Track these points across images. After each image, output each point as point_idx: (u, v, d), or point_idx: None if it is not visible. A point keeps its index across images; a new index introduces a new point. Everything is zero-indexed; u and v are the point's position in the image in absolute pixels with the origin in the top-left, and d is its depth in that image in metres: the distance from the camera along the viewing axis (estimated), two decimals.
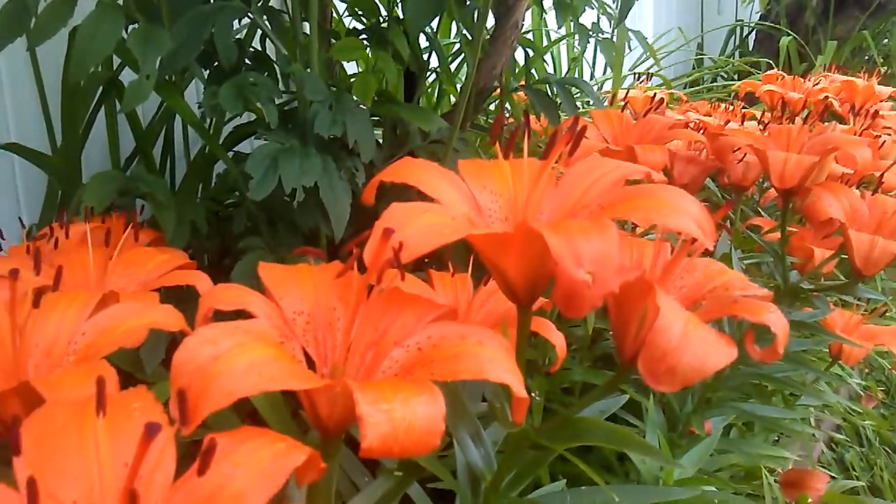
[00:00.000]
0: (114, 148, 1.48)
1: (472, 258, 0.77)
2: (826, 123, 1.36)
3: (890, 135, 1.66)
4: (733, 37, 4.71)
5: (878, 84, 2.23)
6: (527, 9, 1.44)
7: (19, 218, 1.43)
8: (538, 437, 0.56)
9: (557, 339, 0.67)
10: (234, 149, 1.42)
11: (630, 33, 1.52)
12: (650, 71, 2.71)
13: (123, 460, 0.36)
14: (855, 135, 1.34)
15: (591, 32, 1.47)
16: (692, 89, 3.46)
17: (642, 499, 0.69)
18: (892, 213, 0.96)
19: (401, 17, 1.33)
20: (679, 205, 0.48)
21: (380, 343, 0.47)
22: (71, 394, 0.42)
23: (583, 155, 1.02)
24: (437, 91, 1.93)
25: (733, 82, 3.61)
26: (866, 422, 2.10)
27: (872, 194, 0.92)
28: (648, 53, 3.40)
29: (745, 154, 1.08)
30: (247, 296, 0.45)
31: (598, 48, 1.51)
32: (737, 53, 4.66)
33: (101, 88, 1.36)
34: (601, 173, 0.54)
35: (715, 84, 3.73)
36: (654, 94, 2.00)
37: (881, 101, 2.10)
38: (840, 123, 2.22)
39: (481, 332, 0.46)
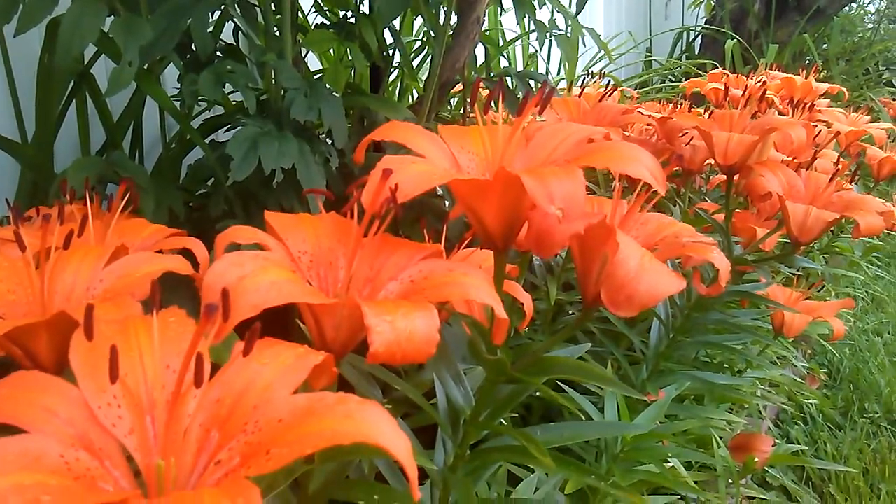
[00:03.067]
0: (84, 139, 1.51)
1: (443, 230, 0.84)
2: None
3: (826, 126, 1.78)
4: (680, 41, 4.87)
5: (816, 81, 2.37)
6: (486, 6, 1.51)
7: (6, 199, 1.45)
8: (515, 371, 0.62)
9: (525, 298, 0.73)
10: (206, 139, 1.46)
11: (584, 30, 1.61)
12: (603, 70, 2.81)
13: (165, 363, 0.41)
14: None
15: (548, 29, 1.55)
16: (642, 90, 3.58)
17: (607, 432, 0.76)
18: (825, 188, 1.05)
19: (368, 12, 1.39)
20: (635, 155, 0.55)
21: (375, 279, 0.54)
22: (106, 316, 0.47)
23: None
24: (398, 86, 1.99)
25: (681, 83, 3.75)
26: (810, 400, 2.22)
27: (807, 169, 1.01)
28: (601, 55, 3.52)
29: (692, 138, 1.17)
30: (259, 234, 0.51)
31: (556, 43, 1.59)
32: (684, 56, 4.83)
33: (72, 81, 1.39)
34: (566, 135, 0.61)
35: (664, 85, 3.87)
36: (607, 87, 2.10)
37: (818, 97, 2.23)
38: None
39: (466, 266, 0.52)
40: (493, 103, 0.66)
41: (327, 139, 1.26)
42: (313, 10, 1.60)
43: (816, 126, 1.53)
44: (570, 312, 1.34)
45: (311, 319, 0.50)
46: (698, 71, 3.82)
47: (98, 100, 1.42)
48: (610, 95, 1.14)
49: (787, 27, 4.46)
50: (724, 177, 1.42)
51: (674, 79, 4.30)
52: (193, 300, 1.00)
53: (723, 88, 2.36)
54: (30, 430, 0.35)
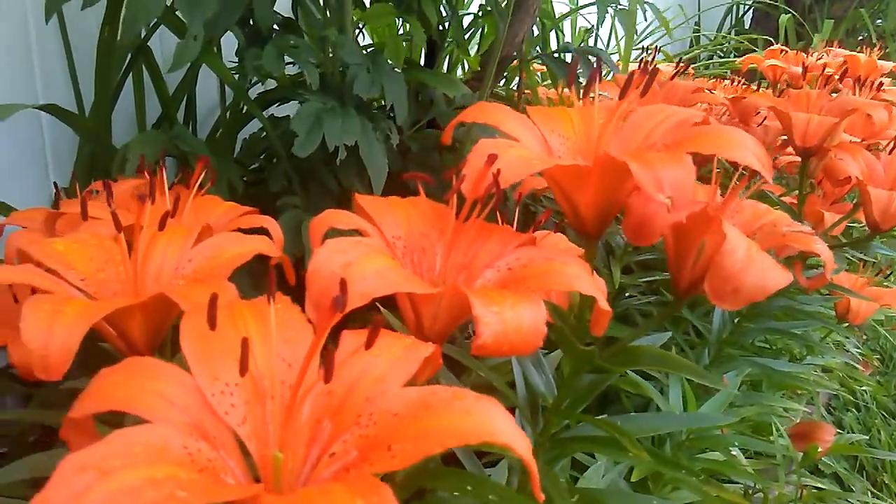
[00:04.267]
0: (140, 111, 1.51)
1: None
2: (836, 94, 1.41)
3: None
4: (730, 15, 4.75)
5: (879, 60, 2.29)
6: None
7: (54, 184, 1.47)
8: (601, 360, 0.61)
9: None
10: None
11: (646, 5, 1.57)
12: (656, 45, 2.75)
13: (279, 353, 0.40)
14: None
15: (609, 3, 1.51)
16: (692, 66, 3.49)
17: (686, 424, 0.74)
18: None
19: None
20: (741, 141, 0.53)
21: (470, 266, 0.52)
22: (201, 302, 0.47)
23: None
24: (447, 60, 1.96)
25: (731, 59, 3.66)
26: (863, 387, 2.18)
27: (890, 153, 0.97)
28: (651, 29, 3.44)
29: (765, 118, 1.13)
30: (355, 219, 0.50)
31: (617, 18, 1.56)
32: (733, 31, 4.70)
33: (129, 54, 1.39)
34: (663, 117, 0.59)
35: (713, 61, 3.77)
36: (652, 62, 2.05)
37: (882, 76, 2.15)
38: None
39: (565, 255, 0.51)
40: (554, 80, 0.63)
41: (387, 115, 1.24)
42: None
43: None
44: (628, 296, 1.32)
45: (409, 308, 0.49)
46: (751, 46, 3.72)
47: (154, 73, 1.42)
48: (681, 73, 1.10)
49: (843, 2, 4.32)
50: (790, 159, 1.38)
51: (722, 54, 4.19)
52: (250, 276, 0.99)
53: (781, 67, 2.30)
54: (147, 418, 0.35)
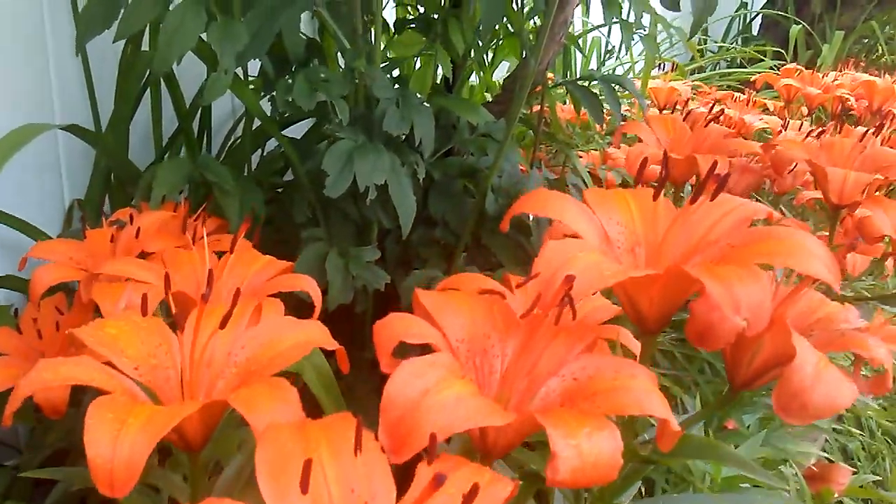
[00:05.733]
0: (157, 127, 1.50)
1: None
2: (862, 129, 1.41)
3: None
4: (738, 21, 4.73)
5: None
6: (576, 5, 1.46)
7: (78, 202, 1.46)
8: (649, 453, 0.60)
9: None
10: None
11: (672, 29, 1.55)
12: (669, 58, 2.74)
13: (350, 486, 0.40)
14: (885, 142, 1.38)
15: (634, 28, 1.50)
16: (701, 76, 3.48)
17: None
18: None
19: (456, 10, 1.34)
20: (811, 249, 0.52)
21: (533, 371, 0.51)
22: (269, 414, 0.46)
23: (645, 159, 1.06)
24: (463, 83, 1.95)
25: (740, 70, 3.64)
26: (868, 412, 2.18)
27: None
28: (660, 39, 3.42)
29: (796, 164, 1.13)
30: (424, 328, 0.49)
31: (642, 42, 1.54)
32: (739, 39, 4.69)
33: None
34: (725, 210, 0.58)
35: (718, 71, 3.75)
36: (681, 88, 2.04)
37: None
38: (855, 125, 2.27)
39: (631, 366, 0.50)
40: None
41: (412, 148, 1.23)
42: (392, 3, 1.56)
43: None
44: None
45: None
46: (760, 56, 3.71)
47: (173, 87, 1.40)
48: (716, 119, 1.09)
49: (853, 12, 4.30)
50: (812, 195, 1.38)
51: (728, 62, 4.18)
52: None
53: (796, 87, 2.29)
54: None
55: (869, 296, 1.12)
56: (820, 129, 1.34)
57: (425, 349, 0.49)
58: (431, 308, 0.51)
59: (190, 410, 0.47)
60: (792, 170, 1.12)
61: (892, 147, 1.43)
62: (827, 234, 1.17)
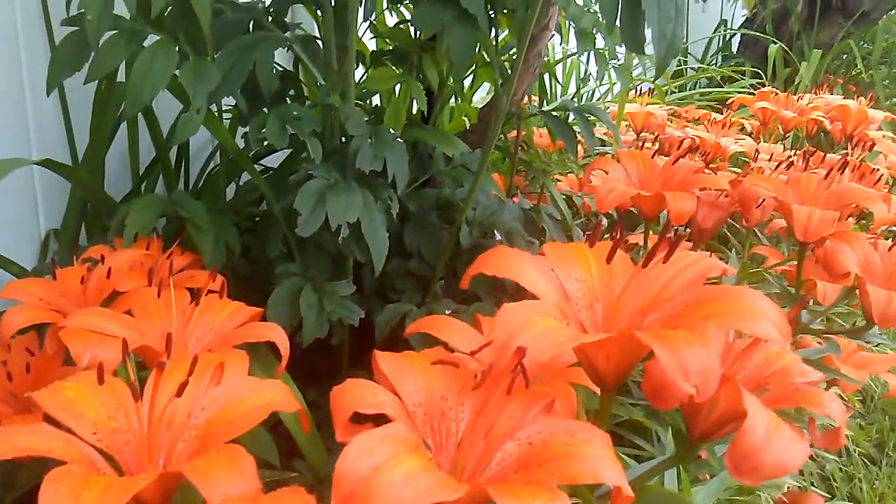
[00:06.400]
0: (134, 158, 1.50)
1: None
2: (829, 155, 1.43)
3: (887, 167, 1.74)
4: (717, 37, 4.78)
5: (868, 104, 2.32)
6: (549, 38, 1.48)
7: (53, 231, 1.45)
8: None
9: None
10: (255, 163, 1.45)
11: (647, 59, 1.57)
12: (648, 79, 2.76)
13: None
14: (855, 169, 1.40)
15: (608, 61, 1.52)
16: (679, 95, 3.51)
17: None
18: None
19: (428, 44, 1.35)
20: (762, 310, 0.53)
21: (489, 433, 0.52)
22: (224, 487, 0.46)
23: (616, 198, 1.07)
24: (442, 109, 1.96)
25: (718, 89, 3.68)
26: (846, 432, 2.20)
27: (889, 249, 0.98)
28: (636, 62, 3.45)
29: (764, 199, 1.14)
30: (380, 396, 0.49)
31: (615, 73, 1.56)
32: (719, 57, 4.74)
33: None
34: (681, 266, 0.59)
35: (708, 90, 3.78)
36: (654, 111, 2.06)
37: (871, 126, 2.18)
38: (831, 146, 2.30)
39: (586, 430, 0.50)
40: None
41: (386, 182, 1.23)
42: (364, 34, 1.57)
43: (878, 170, 1.48)
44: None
45: None
46: (737, 76, 3.74)
47: (151, 121, 1.40)
48: (684, 156, 1.11)
49: (830, 29, 4.36)
50: (783, 223, 1.39)
51: (707, 80, 4.22)
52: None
53: (771, 110, 2.32)
54: None
55: (840, 326, 1.14)
56: (789, 158, 1.36)
57: (382, 415, 0.50)
58: (389, 372, 0.52)
59: (146, 482, 0.47)
60: (760, 205, 1.13)
61: (863, 172, 1.46)
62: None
